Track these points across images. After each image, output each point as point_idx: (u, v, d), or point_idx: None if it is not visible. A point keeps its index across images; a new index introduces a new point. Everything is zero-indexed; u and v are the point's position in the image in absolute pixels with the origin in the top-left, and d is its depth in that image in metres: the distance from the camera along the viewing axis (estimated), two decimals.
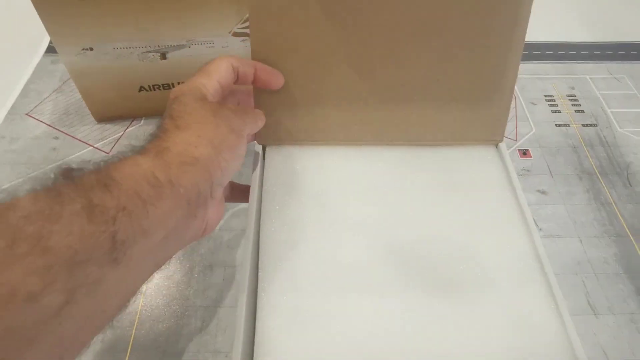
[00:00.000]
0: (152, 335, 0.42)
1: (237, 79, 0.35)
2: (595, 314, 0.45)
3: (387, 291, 0.35)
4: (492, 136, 0.43)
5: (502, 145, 0.43)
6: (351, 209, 0.39)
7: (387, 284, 0.35)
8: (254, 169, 0.40)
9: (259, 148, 0.42)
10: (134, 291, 0.25)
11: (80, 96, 0.56)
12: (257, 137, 0.41)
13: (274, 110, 0.41)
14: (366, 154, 0.43)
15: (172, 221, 0.25)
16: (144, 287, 0.45)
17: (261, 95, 0.39)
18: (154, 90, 0.57)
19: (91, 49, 0.52)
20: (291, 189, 0.40)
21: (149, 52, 0.53)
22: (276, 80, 0.38)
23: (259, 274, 0.35)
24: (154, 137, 0.28)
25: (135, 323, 0.43)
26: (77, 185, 0.22)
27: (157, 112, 0.60)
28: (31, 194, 0.21)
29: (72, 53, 0.51)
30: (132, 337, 0.42)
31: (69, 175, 0.22)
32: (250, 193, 0.38)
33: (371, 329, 0.33)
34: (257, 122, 0.37)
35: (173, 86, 0.57)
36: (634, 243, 0.50)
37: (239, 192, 0.40)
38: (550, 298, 0.35)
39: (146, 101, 0.58)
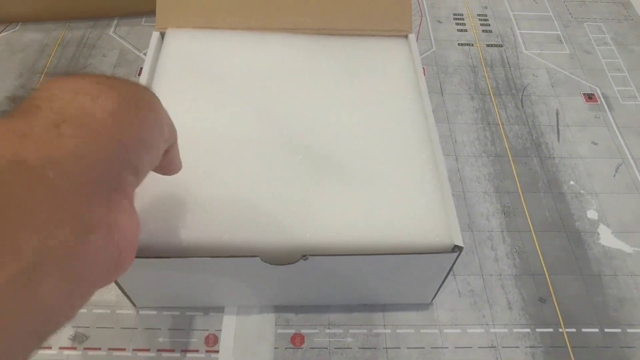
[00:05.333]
0: None
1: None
2: None
3: (274, 160, 0.35)
4: (399, 26, 0.43)
5: (412, 36, 0.43)
6: (248, 90, 0.39)
7: (274, 155, 0.35)
8: (148, 50, 0.40)
9: (156, 34, 0.42)
10: None
11: None
12: (157, 22, 0.41)
13: None
14: (273, 40, 0.42)
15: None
16: None
17: None
18: None
19: None
20: (187, 69, 0.39)
21: None
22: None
23: None
24: None
25: None
26: None
27: (35, 16, 0.56)
28: None
29: None
30: None
31: None
32: (142, 70, 0.38)
33: (247, 193, 0.33)
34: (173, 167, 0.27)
35: None
36: (512, 163, 0.48)
37: None
38: (437, 181, 0.34)
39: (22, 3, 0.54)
